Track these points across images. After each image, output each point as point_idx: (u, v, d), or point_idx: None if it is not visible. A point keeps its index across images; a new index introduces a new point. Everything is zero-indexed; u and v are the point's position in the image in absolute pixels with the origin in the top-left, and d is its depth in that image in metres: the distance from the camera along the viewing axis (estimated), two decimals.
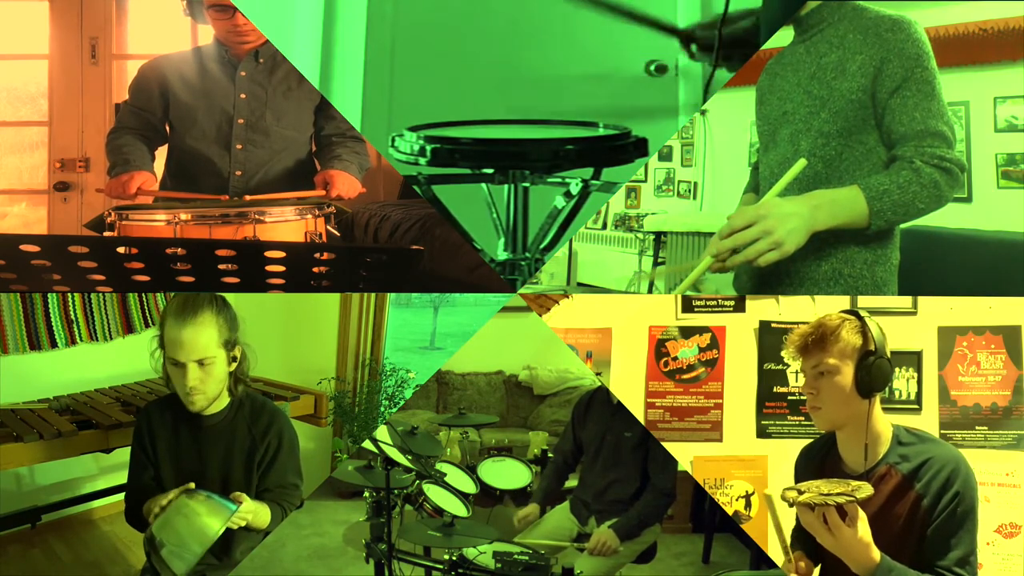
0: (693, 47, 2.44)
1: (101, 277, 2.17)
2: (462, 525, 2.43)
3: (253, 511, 2.07)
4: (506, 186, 1.98)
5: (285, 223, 2.47)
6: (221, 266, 2.16)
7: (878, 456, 1.77)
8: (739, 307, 2.54)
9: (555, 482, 2.90)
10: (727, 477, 2.52)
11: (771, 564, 2.42)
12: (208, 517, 2.00)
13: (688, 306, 2.56)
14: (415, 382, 3.63)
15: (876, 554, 1.64)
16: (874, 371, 1.74)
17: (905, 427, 1.81)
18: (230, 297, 2.18)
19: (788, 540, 1.74)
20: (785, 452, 2.00)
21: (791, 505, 1.66)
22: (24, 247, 2.09)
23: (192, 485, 2.05)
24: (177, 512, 2.01)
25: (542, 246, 2.03)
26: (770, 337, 2.51)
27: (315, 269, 2.22)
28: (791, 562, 1.71)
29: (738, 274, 2.27)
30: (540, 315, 2.58)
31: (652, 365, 2.56)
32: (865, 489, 1.63)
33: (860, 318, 1.78)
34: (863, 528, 1.63)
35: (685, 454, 2.54)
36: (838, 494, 1.62)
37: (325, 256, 2.23)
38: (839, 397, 1.75)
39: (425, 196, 2.04)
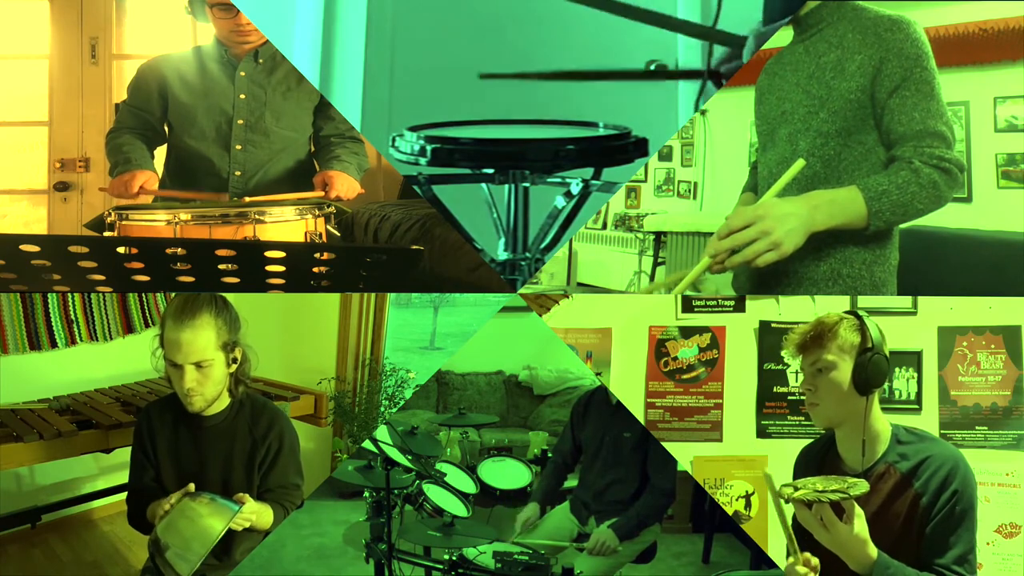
0: (723, 81, 2.47)
1: (101, 277, 2.17)
2: (462, 525, 2.43)
3: (256, 512, 2.07)
4: (506, 186, 1.98)
5: (285, 223, 2.47)
6: (221, 266, 2.16)
7: (877, 455, 1.78)
8: (739, 307, 2.54)
9: (554, 482, 2.90)
10: (727, 477, 2.52)
11: (771, 564, 2.42)
12: (211, 519, 2.00)
13: (688, 306, 2.56)
14: (415, 382, 3.63)
15: (873, 551, 1.64)
16: (871, 368, 1.74)
17: (904, 426, 1.81)
18: (230, 297, 2.18)
19: (791, 528, 1.73)
20: (785, 452, 2.00)
21: (787, 501, 1.66)
22: (24, 247, 2.09)
23: (192, 487, 2.05)
24: (181, 515, 2.02)
25: (542, 246, 2.03)
26: (770, 337, 2.52)
27: (315, 269, 2.22)
28: (797, 559, 1.70)
29: (736, 274, 2.27)
30: (540, 315, 2.58)
31: (652, 365, 2.56)
32: (861, 486, 1.64)
33: (858, 317, 1.79)
34: (860, 525, 1.63)
35: (685, 454, 2.54)
36: (833, 491, 1.62)
37: (325, 256, 2.23)
38: (837, 394, 1.76)
39: (425, 196, 2.05)
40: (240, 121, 2.70)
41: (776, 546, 2.43)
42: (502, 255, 2.02)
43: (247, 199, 2.52)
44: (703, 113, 3.50)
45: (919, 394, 2.49)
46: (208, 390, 2.12)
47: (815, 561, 1.67)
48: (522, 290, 2.21)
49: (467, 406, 3.83)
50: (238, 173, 2.70)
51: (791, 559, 1.69)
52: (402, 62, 2.99)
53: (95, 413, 2.74)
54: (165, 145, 2.79)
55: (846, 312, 1.81)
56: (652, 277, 3.39)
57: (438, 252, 2.91)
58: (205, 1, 2.64)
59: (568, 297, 2.63)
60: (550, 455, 2.97)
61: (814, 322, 1.80)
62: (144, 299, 3.27)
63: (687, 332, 2.56)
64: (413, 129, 2.00)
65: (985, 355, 2.47)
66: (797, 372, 2.46)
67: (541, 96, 2.79)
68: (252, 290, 2.22)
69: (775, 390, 2.53)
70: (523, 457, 3.22)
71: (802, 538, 1.73)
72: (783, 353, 2.42)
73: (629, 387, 2.57)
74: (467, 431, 3.31)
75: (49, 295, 3.06)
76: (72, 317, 3.14)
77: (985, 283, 2.55)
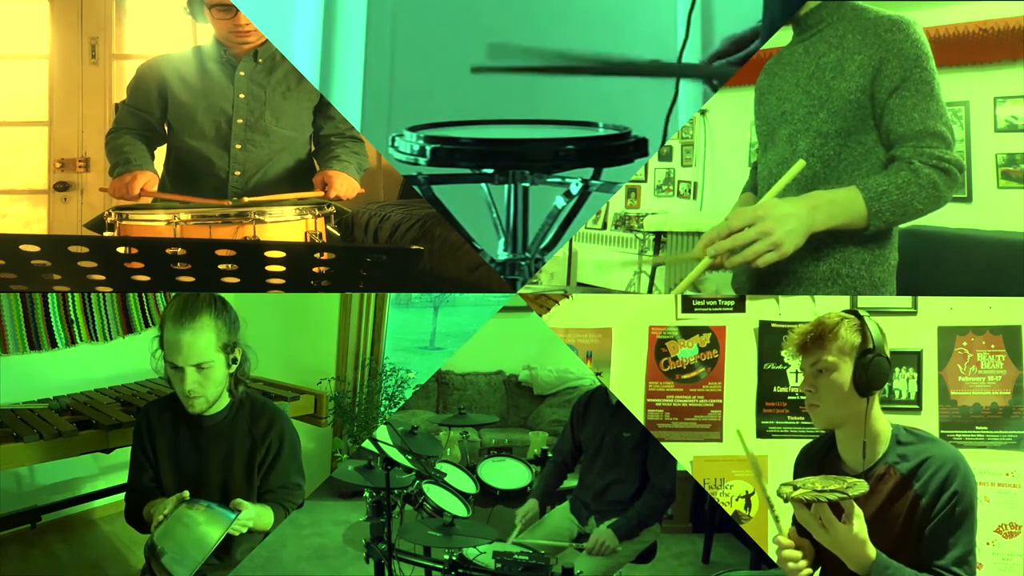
0: (715, 81, 2.46)
1: (101, 277, 2.17)
2: (462, 525, 2.43)
3: (254, 517, 2.06)
4: (506, 186, 1.98)
5: (285, 223, 2.47)
6: (221, 266, 2.16)
7: (877, 455, 1.77)
8: (739, 307, 2.54)
9: (554, 480, 2.90)
10: (727, 477, 2.52)
11: (771, 564, 2.42)
12: (207, 526, 2.00)
13: (688, 306, 2.56)
14: (415, 382, 3.63)
15: (872, 551, 1.64)
16: (872, 369, 1.74)
17: (904, 427, 1.81)
18: (229, 297, 2.18)
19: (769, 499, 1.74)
20: (785, 452, 2.00)
21: (786, 501, 1.66)
22: (24, 247, 2.09)
23: (187, 493, 2.05)
24: (177, 521, 2.02)
25: (542, 246, 2.03)
26: (770, 337, 2.52)
27: (315, 269, 2.22)
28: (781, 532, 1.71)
29: (736, 274, 2.27)
30: (540, 315, 2.58)
31: (652, 365, 2.56)
32: (860, 486, 1.63)
33: (859, 317, 1.78)
34: (859, 525, 1.63)
35: (685, 454, 2.54)
36: (832, 491, 1.62)
37: (325, 256, 2.23)
38: (837, 395, 1.76)
39: (425, 196, 2.05)
40: (240, 121, 2.70)
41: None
42: (502, 255, 2.02)
43: (247, 199, 2.52)
44: (703, 113, 3.50)
45: (919, 394, 2.49)
46: (209, 391, 2.12)
47: (805, 541, 1.68)
48: (522, 290, 2.21)
49: (467, 406, 3.82)
50: (238, 173, 2.70)
51: (777, 535, 1.70)
52: (402, 62, 2.99)
53: (95, 413, 2.74)
54: (165, 145, 2.79)
55: (847, 312, 1.80)
56: (652, 277, 3.39)
57: (438, 252, 2.91)
58: (203, 2, 2.64)
59: (568, 297, 2.63)
60: (550, 455, 2.97)
61: (814, 322, 1.79)
62: (144, 299, 3.27)
63: (687, 332, 2.56)
64: (413, 129, 2.00)
65: (985, 355, 2.47)
66: (797, 372, 2.46)
67: (541, 96, 2.79)
68: (252, 290, 2.22)
69: (775, 390, 2.53)
70: (523, 457, 3.22)
71: (803, 537, 1.74)
72: (783, 353, 2.43)
73: (629, 387, 2.57)
74: (467, 431, 3.31)
75: (49, 295, 3.06)
76: (72, 317, 3.14)
77: (985, 283, 2.55)
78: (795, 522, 1.74)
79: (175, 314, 2.08)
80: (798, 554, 1.71)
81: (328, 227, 2.55)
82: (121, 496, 2.24)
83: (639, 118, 2.13)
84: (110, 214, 2.42)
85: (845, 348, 1.75)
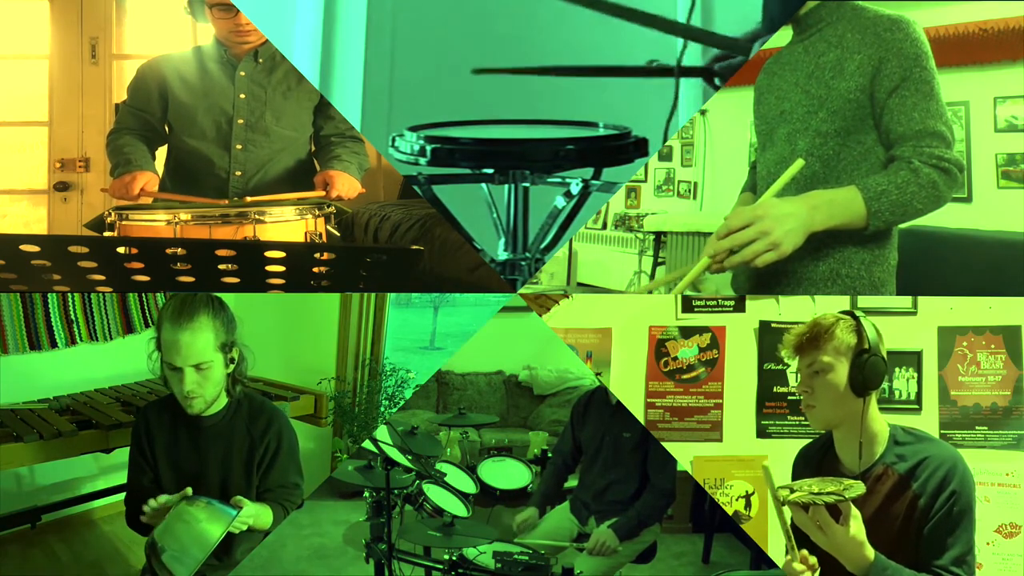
0: (717, 80, 2.45)
1: (101, 277, 2.17)
2: (462, 525, 2.43)
3: (254, 515, 2.06)
4: (506, 186, 1.98)
5: (285, 223, 2.48)
6: (221, 266, 2.16)
7: (874, 456, 1.77)
8: (739, 307, 2.54)
9: (554, 484, 2.89)
10: (727, 477, 2.52)
11: (771, 564, 2.42)
12: (208, 523, 1.99)
13: (688, 306, 2.56)
14: (415, 382, 3.63)
15: (870, 552, 1.63)
16: (868, 369, 1.74)
17: (902, 426, 1.81)
18: (229, 297, 2.18)
19: (788, 525, 1.72)
20: (785, 452, 2.00)
21: (783, 504, 1.66)
22: (24, 247, 2.09)
23: (189, 490, 2.05)
24: (178, 518, 2.01)
25: (542, 246, 2.03)
26: (770, 337, 2.52)
27: (315, 269, 2.22)
28: (795, 556, 1.69)
29: (736, 274, 2.27)
30: (540, 315, 2.58)
31: (652, 365, 2.56)
32: (857, 488, 1.63)
33: (855, 317, 1.78)
34: (856, 527, 1.62)
35: (685, 454, 2.54)
36: (828, 493, 1.62)
37: (325, 256, 2.23)
38: (833, 395, 1.75)
39: (425, 196, 2.05)
40: (240, 121, 2.70)
41: (776, 546, 2.43)
42: (502, 255, 2.02)
43: (247, 199, 2.52)
44: (703, 113, 3.51)
45: (919, 394, 2.49)
46: (208, 391, 2.12)
47: (813, 559, 1.67)
48: (522, 290, 2.21)
49: (467, 406, 3.82)
50: (238, 173, 2.70)
51: (788, 556, 1.69)
52: (402, 62, 2.99)
53: (95, 413, 2.74)
54: (166, 146, 2.79)
55: (842, 312, 1.80)
56: (652, 277, 3.39)
57: (438, 252, 2.91)
58: (204, 1, 2.64)
59: (568, 297, 2.63)
60: (550, 455, 2.97)
61: (810, 323, 1.79)
62: (144, 299, 3.27)
63: (687, 332, 2.56)
64: (413, 129, 2.00)
65: (985, 355, 2.47)
66: (797, 372, 2.46)
67: (541, 96, 2.78)
68: (252, 290, 2.22)
69: (775, 390, 2.53)
70: (523, 457, 3.22)
71: (800, 537, 1.73)
72: (782, 353, 2.43)
73: (629, 387, 2.57)
74: (467, 431, 3.31)
75: (49, 295, 3.06)
76: (72, 317, 3.14)
77: (985, 283, 2.55)
78: (792, 523, 1.73)
79: (172, 315, 2.08)
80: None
81: (328, 227, 2.55)
82: (121, 496, 2.24)
83: (639, 118, 2.13)
84: (110, 214, 2.42)
85: (841, 348, 1.75)
